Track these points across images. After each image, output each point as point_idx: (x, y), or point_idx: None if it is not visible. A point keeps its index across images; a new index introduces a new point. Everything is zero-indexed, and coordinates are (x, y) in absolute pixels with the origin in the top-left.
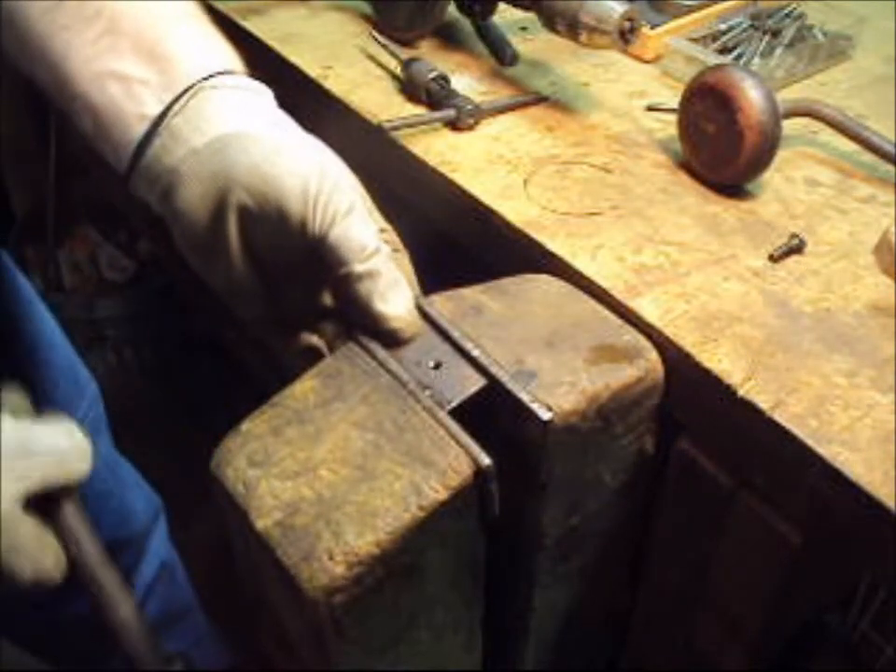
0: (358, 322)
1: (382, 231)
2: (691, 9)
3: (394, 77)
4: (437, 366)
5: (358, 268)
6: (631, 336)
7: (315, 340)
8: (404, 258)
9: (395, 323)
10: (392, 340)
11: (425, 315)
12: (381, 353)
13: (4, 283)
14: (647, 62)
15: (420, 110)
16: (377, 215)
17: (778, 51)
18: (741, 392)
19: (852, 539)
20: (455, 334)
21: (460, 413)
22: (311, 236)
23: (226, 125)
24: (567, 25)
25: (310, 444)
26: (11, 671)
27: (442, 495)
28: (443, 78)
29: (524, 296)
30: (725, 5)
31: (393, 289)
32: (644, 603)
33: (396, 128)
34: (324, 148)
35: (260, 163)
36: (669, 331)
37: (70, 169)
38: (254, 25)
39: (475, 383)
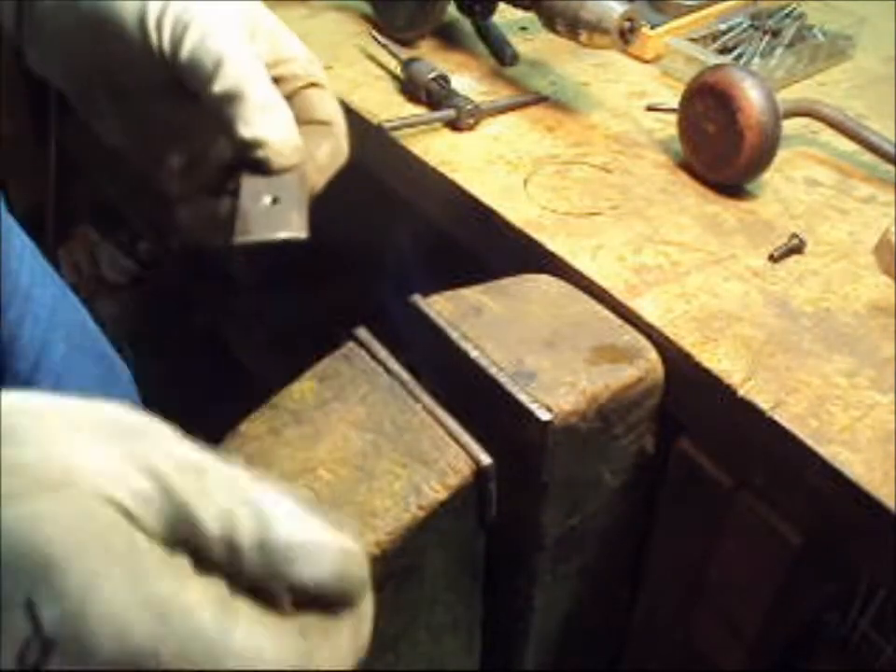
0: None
1: (287, 60)
2: (691, 9)
3: (394, 76)
4: (274, 201)
5: (215, 88)
6: (631, 336)
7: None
8: (323, 94)
9: (261, 152)
10: (266, 170)
11: (423, 316)
12: (381, 352)
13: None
14: (647, 62)
15: (420, 110)
16: (286, 41)
17: (778, 51)
18: (741, 392)
19: (852, 538)
20: (455, 335)
21: (459, 412)
22: (166, 63)
23: None
24: (567, 25)
25: (309, 445)
26: None
27: (442, 494)
28: (443, 78)
29: (524, 296)
30: (725, 5)
31: (261, 112)
32: (644, 603)
33: (396, 128)
34: None
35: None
36: (669, 331)
37: (70, 169)
38: None
39: (291, 232)
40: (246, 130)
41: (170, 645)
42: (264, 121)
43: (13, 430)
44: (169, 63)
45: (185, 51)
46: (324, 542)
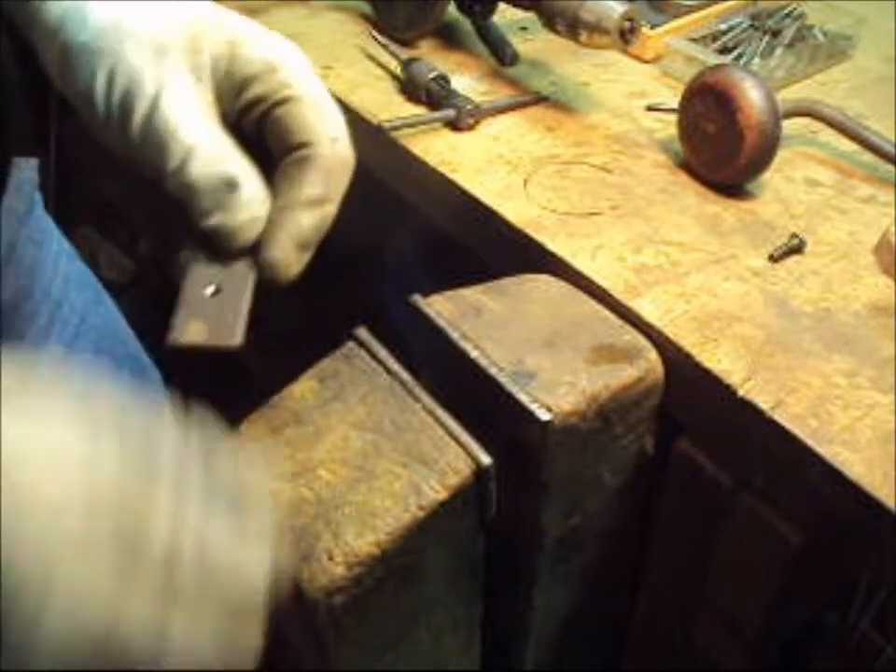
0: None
1: (249, 81)
2: (691, 9)
3: (394, 77)
4: (216, 291)
5: (167, 184)
6: (631, 336)
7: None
8: (294, 110)
9: (219, 240)
10: (223, 254)
11: (423, 316)
12: (381, 352)
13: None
14: (647, 62)
15: (420, 110)
16: (247, 55)
17: (778, 51)
18: (741, 392)
19: (852, 538)
20: (455, 335)
21: (459, 412)
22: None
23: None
24: (567, 25)
25: (309, 445)
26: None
27: (442, 494)
28: (443, 78)
29: (524, 296)
30: (725, 5)
31: (213, 200)
32: (644, 603)
33: (396, 128)
34: (129, 29)
35: (63, 59)
36: (669, 331)
37: (70, 169)
38: None
39: (221, 342)
40: (204, 220)
41: None
42: (219, 207)
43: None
44: (121, 139)
45: (134, 132)
46: None
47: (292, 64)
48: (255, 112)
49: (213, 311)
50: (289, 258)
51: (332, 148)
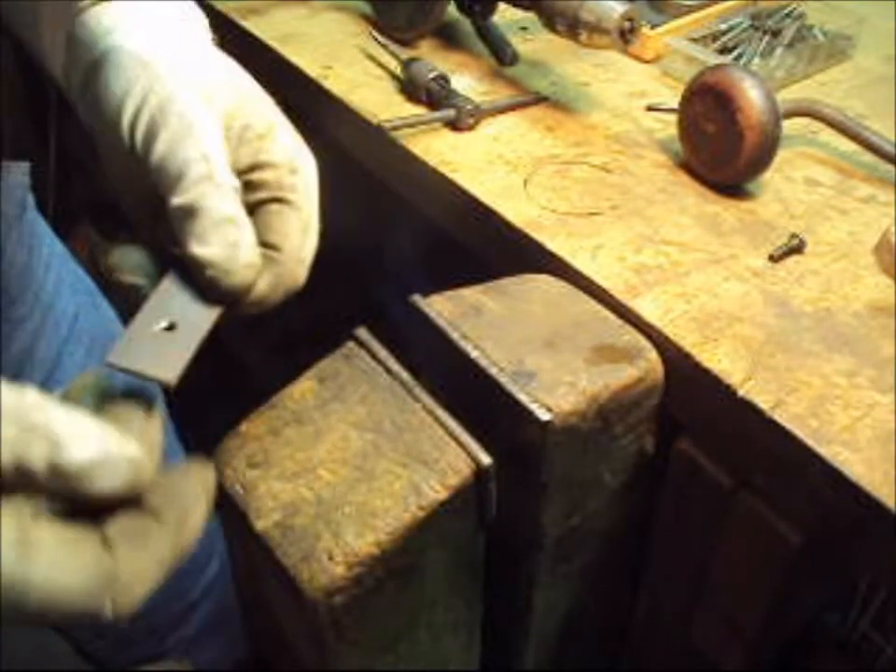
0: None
1: (263, 166)
2: (691, 9)
3: (394, 76)
4: (170, 327)
5: (175, 201)
6: (631, 336)
7: None
8: (284, 212)
9: (209, 271)
10: (212, 292)
11: (423, 316)
12: (381, 352)
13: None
14: (647, 62)
15: (420, 110)
16: (273, 144)
17: (778, 51)
18: (741, 392)
19: (852, 538)
20: (455, 335)
21: (459, 412)
22: (141, 161)
23: (104, 41)
24: (567, 25)
25: (309, 445)
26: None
27: (442, 494)
28: (443, 78)
29: (524, 296)
30: (725, 5)
31: (217, 230)
32: (644, 603)
33: (396, 128)
34: (163, 63)
35: (90, 82)
36: (669, 331)
37: (70, 169)
38: (254, 25)
39: (158, 375)
40: (199, 248)
41: None
42: (217, 240)
43: None
44: (143, 166)
45: (154, 156)
46: (113, 456)
47: (308, 175)
48: (253, 194)
49: (161, 342)
50: None
51: (294, 268)
